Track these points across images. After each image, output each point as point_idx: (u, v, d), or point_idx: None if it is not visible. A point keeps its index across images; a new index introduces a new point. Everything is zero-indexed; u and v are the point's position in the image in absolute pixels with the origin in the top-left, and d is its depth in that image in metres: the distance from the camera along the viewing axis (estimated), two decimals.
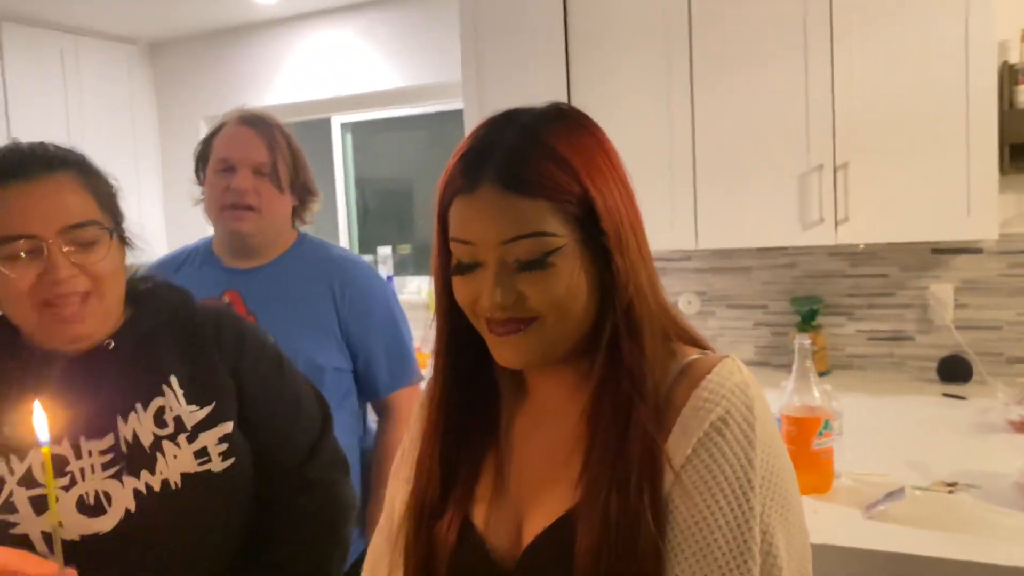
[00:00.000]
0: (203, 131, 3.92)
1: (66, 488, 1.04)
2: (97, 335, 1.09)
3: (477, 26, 2.91)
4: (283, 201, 1.75)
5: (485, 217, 0.78)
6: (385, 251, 3.89)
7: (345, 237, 4.06)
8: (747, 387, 0.79)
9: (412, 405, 1.00)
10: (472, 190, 0.78)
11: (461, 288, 0.82)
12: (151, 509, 1.05)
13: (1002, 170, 2.35)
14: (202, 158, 1.77)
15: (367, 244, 4.07)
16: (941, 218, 2.35)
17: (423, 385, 1.17)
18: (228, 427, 1.12)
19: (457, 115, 3.39)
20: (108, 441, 1.07)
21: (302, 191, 1.79)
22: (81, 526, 1.03)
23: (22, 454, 1.05)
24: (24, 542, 1.01)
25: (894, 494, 1.52)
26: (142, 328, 1.13)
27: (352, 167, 4.13)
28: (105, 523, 1.04)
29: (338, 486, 1.23)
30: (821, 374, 2.64)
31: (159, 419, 1.09)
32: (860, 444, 1.84)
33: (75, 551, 0.90)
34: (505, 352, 0.82)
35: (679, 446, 0.77)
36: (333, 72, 3.81)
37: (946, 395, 2.42)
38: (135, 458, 1.06)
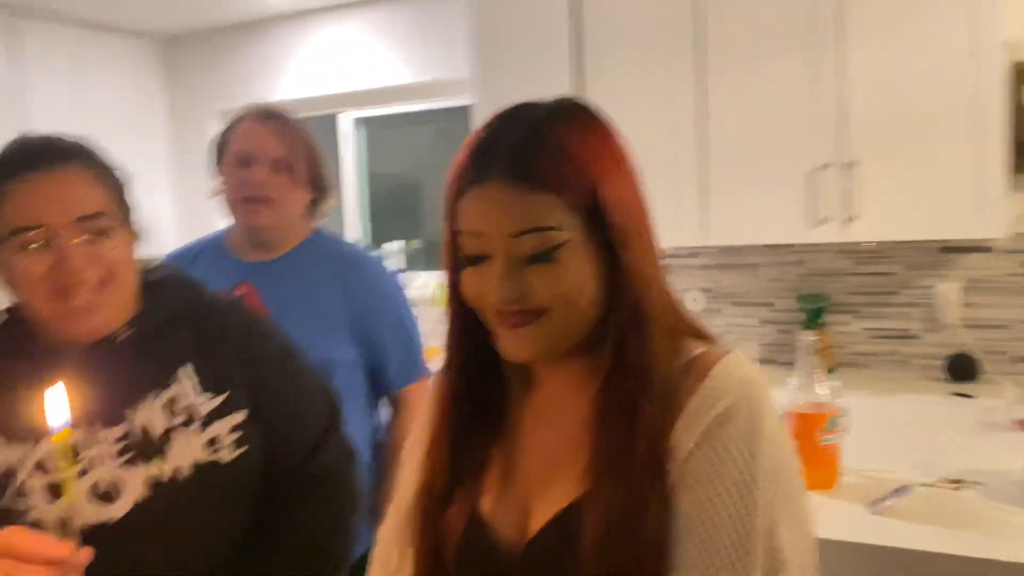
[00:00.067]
0: (214, 126, 3.96)
1: (79, 475, 1.05)
2: (110, 325, 1.10)
3: (487, 22, 2.92)
4: (299, 195, 1.77)
5: (493, 211, 0.78)
6: (395, 246, 3.90)
7: (355, 232, 4.08)
8: (752, 380, 0.80)
9: (422, 400, 1.01)
10: (481, 184, 0.79)
11: (469, 281, 0.82)
12: (162, 497, 1.06)
13: (1011, 169, 2.34)
14: (219, 151, 1.79)
15: (377, 239, 4.08)
16: (950, 217, 2.35)
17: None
18: (240, 417, 1.13)
19: (466, 111, 3.40)
20: (120, 430, 1.08)
21: (318, 186, 1.81)
22: (93, 513, 1.04)
23: (36, 441, 1.06)
24: (38, 528, 1.02)
25: (899, 491, 1.52)
26: (155, 318, 1.15)
27: (365, 162, 4.14)
28: (117, 510, 1.05)
29: (347, 477, 1.24)
30: (827, 372, 2.64)
31: (171, 408, 1.10)
32: (866, 442, 1.84)
33: (87, 538, 0.91)
34: (512, 345, 0.82)
35: (684, 439, 0.78)
36: (343, 67, 3.83)
37: (953, 394, 2.42)
38: (147, 447, 1.08)
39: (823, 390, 1.58)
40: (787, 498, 0.78)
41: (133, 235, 1.14)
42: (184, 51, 4.20)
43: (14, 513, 1.04)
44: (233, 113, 1.85)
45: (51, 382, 0.91)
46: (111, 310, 1.09)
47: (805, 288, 2.91)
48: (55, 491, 1.04)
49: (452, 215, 0.83)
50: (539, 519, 0.83)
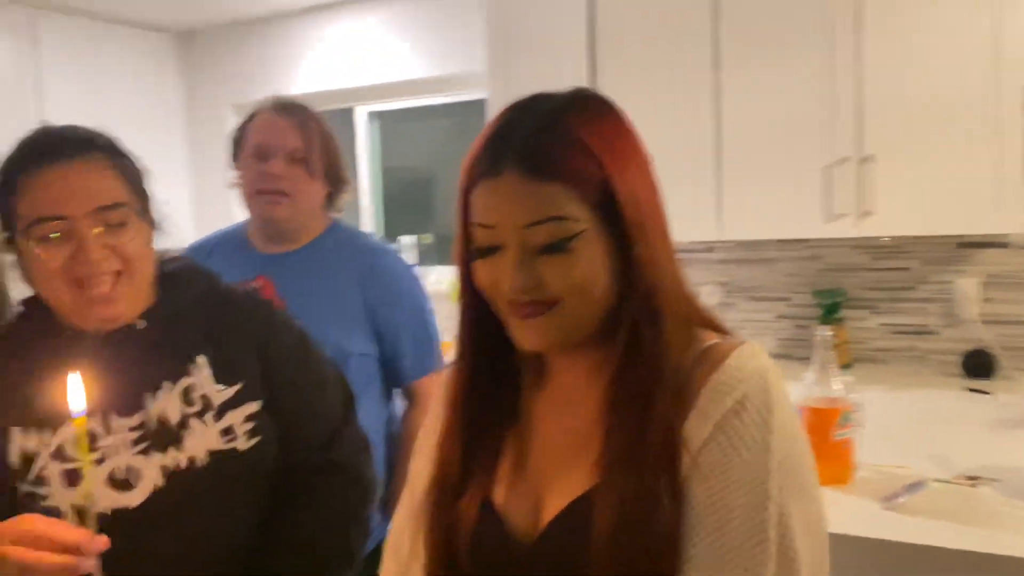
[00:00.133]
0: (230, 119, 3.99)
1: (96, 463, 1.06)
2: (127, 315, 1.11)
3: (502, 15, 2.91)
4: (316, 188, 1.78)
5: (506, 201, 0.79)
6: (408, 240, 3.91)
7: (369, 226, 4.09)
8: (766, 371, 0.80)
9: (437, 392, 1.02)
10: (494, 175, 0.79)
11: (482, 272, 0.83)
12: (178, 485, 1.07)
13: None
14: (237, 143, 1.80)
15: (391, 233, 4.09)
16: (967, 212, 2.33)
17: None
18: (254, 406, 1.14)
19: (481, 105, 3.40)
20: (137, 418, 1.09)
21: (335, 179, 1.82)
22: (110, 500, 1.06)
23: (55, 428, 1.07)
24: (55, 515, 1.04)
25: (914, 486, 1.52)
26: (171, 309, 1.16)
27: (379, 156, 4.15)
28: (133, 498, 1.06)
29: (360, 468, 1.25)
30: (843, 367, 2.63)
31: (187, 397, 1.11)
32: (881, 437, 1.83)
33: (104, 525, 0.93)
34: (525, 335, 0.83)
35: (697, 430, 0.78)
36: (358, 61, 3.83)
37: (970, 390, 2.40)
38: (163, 435, 1.09)
39: (838, 385, 1.57)
40: (800, 489, 0.78)
41: (150, 226, 1.15)
42: (201, 45, 4.22)
43: (33, 500, 1.05)
44: (249, 107, 1.86)
45: (69, 371, 0.92)
46: (128, 300, 1.10)
47: (821, 283, 2.89)
48: (73, 479, 1.05)
49: (465, 206, 0.83)
50: (551, 509, 0.83)
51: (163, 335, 1.14)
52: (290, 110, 1.78)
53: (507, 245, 0.79)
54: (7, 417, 1.08)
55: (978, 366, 2.57)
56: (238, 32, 4.11)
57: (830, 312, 2.80)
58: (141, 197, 1.14)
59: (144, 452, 1.08)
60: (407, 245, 3.91)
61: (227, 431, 1.11)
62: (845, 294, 2.84)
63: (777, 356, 2.96)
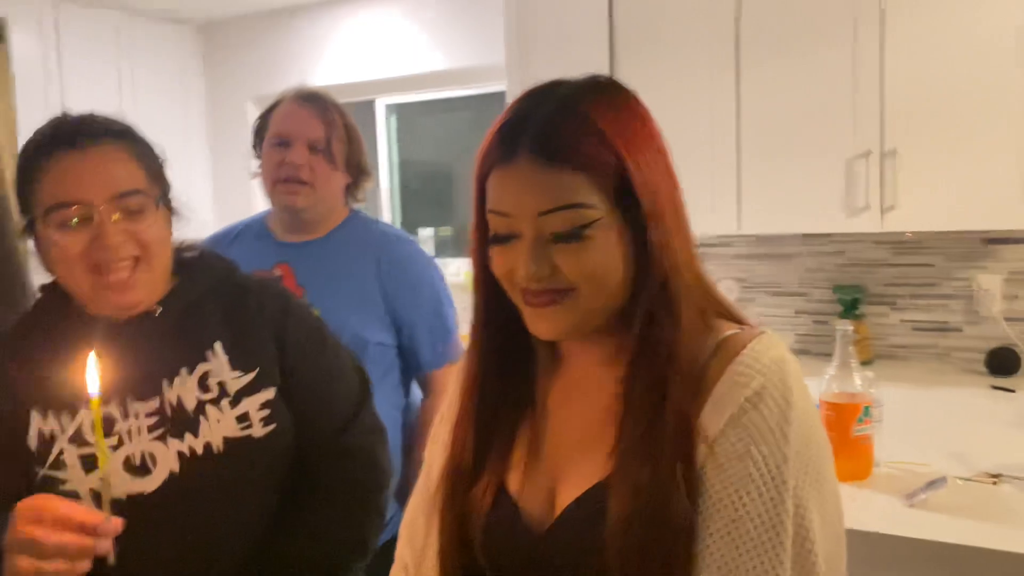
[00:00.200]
0: (251, 110, 4.00)
1: (113, 448, 1.07)
2: (145, 302, 1.12)
3: (521, 7, 2.90)
4: (336, 178, 1.79)
5: (522, 189, 0.78)
6: (426, 233, 3.92)
7: (387, 218, 4.10)
8: (783, 362, 0.79)
9: (452, 381, 1.03)
10: (509, 161, 0.79)
11: (498, 259, 0.82)
12: (194, 471, 1.08)
13: None
14: (259, 132, 1.82)
15: (408, 225, 4.10)
16: (992, 207, 2.30)
17: None
18: (270, 393, 1.14)
19: (500, 97, 3.39)
20: (154, 404, 1.10)
21: (355, 169, 1.83)
22: (127, 485, 1.06)
23: (73, 413, 1.08)
24: (73, 499, 1.04)
25: (935, 483, 1.50)
26: (188, 296, 1.16)
27: (396, 149, 4.16)
28: (149, 483, 1.07)
29: (376, 454, 1.25)
30: (864, 364, 2.60)
31: (203, 384, 1.12)
32: (902, 434, 1.81)
33: (120, 509, 0.93)
34: (540, 323, 0.82)
35: (713, 419, 0.77)
36: (378, 54, 3.84)
37: (994, 387, 2.37)
38: (179, 421, 1.09)
39: (858, 380, 1.55)
40: (817, 481, 0.77)
41: (169, 213, 1.16)
42: (221, 37, 4.24)
43: (51, 484, 1.06)
44: (269, 99, 1.87)
45: (86, 353, 0.93)
46: (146, 287, 1.11)
47: (842, 278, 2.86)
48: (90, 462, 1.06)
49: (480, 193, 0.83)
50: (566, 497, 0.82)
51: (180, 322, 1.14)
52: (312, 100, 1.79)
53: (522, 233, 0.79)
54: (25, 402, 1.09)
55: (1002, 364, 2.53)
56: (259, 24, 4.13)
57: (850, 308, 2.77)
58: (159, 184, 1.15)
59: (160, 438, 1.09)
60: (425, 238, 3.91)
61: (243, 418, 1.12)
62: (866, 290, 2.81)
63: (796, 352, 2.93)
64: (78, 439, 1.07)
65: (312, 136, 1.74)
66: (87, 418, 1.07)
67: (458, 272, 3.80)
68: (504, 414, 0.89)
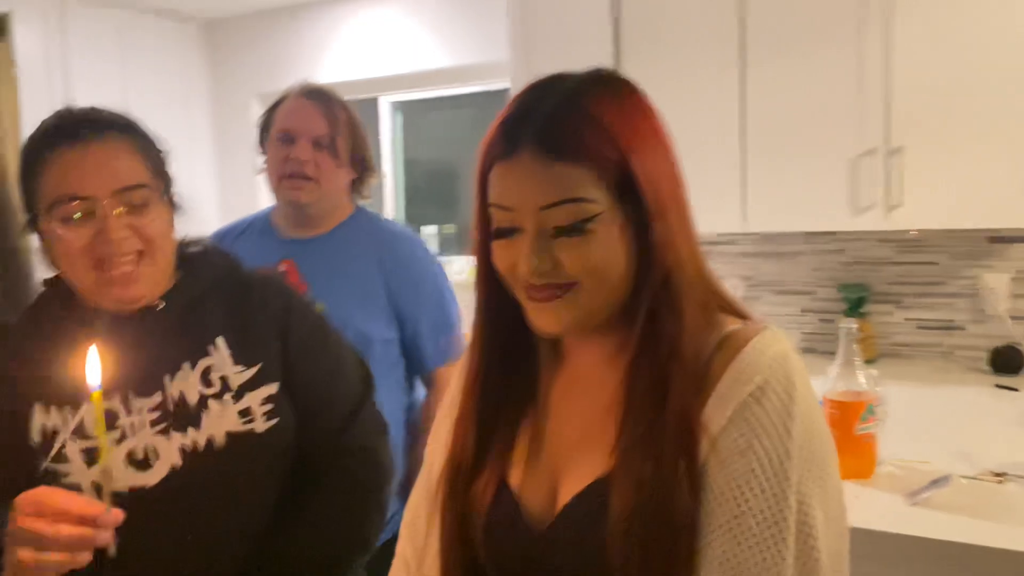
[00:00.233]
0: (255, 108, 4.01)
1: (115, 442, 1.07)
2: (149, 296, 1.12)
3: (525, 5, 2.90)
4: (341, 174, 1.79)
5: (524, 182, 0.78)
6: (430, 230, 3.92)
7: (391, 216, 4.10)
8: (787, 357, 0.78)
9: (454, 377, 1.03)
10: (511, 155, 0.78)
11: (499, 253, 0.82)
12: (196, 465, 1.08)
13: None
14: (264, 128, 1.83)
15: (412, 223, 4.10)
16: (998, 205, 2.29)
17: None
18: (273, 388, 1.14)
19: (504, 95, 3.39)
20: (156, 399, 1.10)
21: (360, 165, 1.84)
22: (129, 479, 1.06)
23: (76, 407, 1.08)
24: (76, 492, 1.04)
25: (939, 481, 1.49)
26: (191, 290, 1.16)
27: (401, 146, 4.16)
28: (151, 477, 1.07)
29: (378, 451, 1.25)
30: (868, 362, 2.59)
31: (205, 378, 1.12)
32: (906, 432, 1.80)
33: (122, 503, 0.93)
34: (542, 319, 0.82)
35: (716, 415, 0.76)
36: (382, 51, 3.84)
37: (998, 386, 2.36)
38: (181, 415, 1.09)
39: (862, 378, 1.55)
40: (820, 477, 0.76)
41: (172, 207, 1.16)
42: (226, 35, 4.24)
43: (54, 477, 1.06)
44: (273, 96, 1.88)
45: (87, 346, 0.93)
46: (149, 281, 1.11)
47: (847, 277, 2.85)
48: (92, 456, 1.06)
49: (483, 188, 0.82)
50: (567, 493, 0.82)
51: (183, 316, 1.14)
52: (317, 95, 1.79)
53: (524, 227, 0.79)
54: (28, 395, 1.09)
55: (1006, 363, 2.52)
56: (263, 22, 4.13)
57: (855, 307, 2.76)
58: (163, 178, 1.15)
59: (163, 432, 1.09)
60: (429, 235, 3.91)
61: (245, 412, 1.11)
62: (870, 288, 2.80)
63: (802, 351, 2.92)
64: (80, 433, 1.07)
65: (317, 132, 1.75)
66: (89, 412, 1.07)
67: (461, 270, 3.80)
68: (505, 410, 0.89)
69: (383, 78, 3.88)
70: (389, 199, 4.11)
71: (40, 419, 1.09)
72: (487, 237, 0.83)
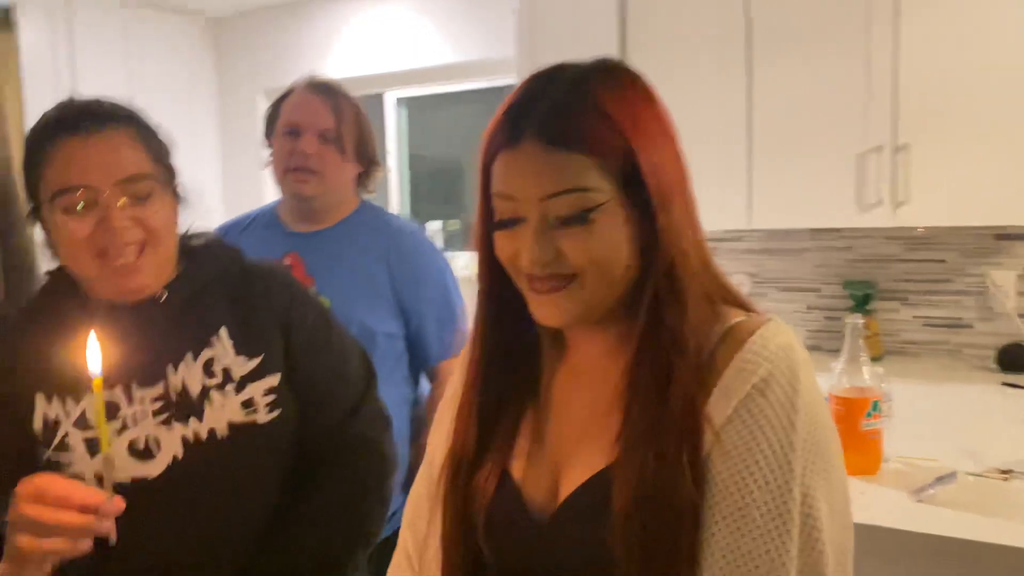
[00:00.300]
0: (261, 103, 4.00)
1: (118, 432, 1.07)
2: (151, 287, 1.12)
3: (532, 1, 2.89)
4: (346, 168, 1.79)
5: (527, 172, 0.77)
6: (434, 226, 3.92)
7: (396, 212, 4.09)
8: (791, 349, 0.78)
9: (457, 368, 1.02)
10: (515, 144, 0.78)
11: (502, 244, 0.81)
12: (198, 456, 1.08)
13: None
14: (270, 121, 1.83)
15: (417, 219, 4.10)
16: (1005, 202, 2.27)
17: None
18: (275, 379, 1.14)
19: (509, 91, 3.38)
20: (159, 389, 1.10)
21: (366, 159, 1.84)
22: (131, 469, 1.06)
23: (78, 397, 1.08)
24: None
25: (945, 478, 1.48)
26: (194, 282, 1.16)
27: (406, 142, 4.15)
28: (153, 468, 1.07)
29: (380, 442, 1.25)
30: (874, 360, 2.58)
31: (208, 369, 1.11)
32: (912, 429, 1.80)
33: (124, 494, 0.93)
34: (544, 310, 0.81)
35: (720, 407, 0.76)
36: (387, 47, 3.83)
37: (1005, 384, 2.35)
38: (184, 406, 1.09)
39: (867, 374, 1.54)
40: (825, 470, 0.76)
41: (175, 199, 1.16)
42: (232, 30, 4.24)
43: (56, 467, 1.06)
44: (280, 91, 1.88)
45: (87, 334, 0.93)
46: (152, 272, 1.10)
47: (853, 274, 2.84)
48: (95, 446, 1.06)
49: (486, 178, 0.82)
50: (570, 484, 0.82)
51: (186, 307, 1.14)
52: (324, 89, 1.79)
53: (527, 216, 0.78)
54: (30, 385, 1.09)
55: (1014, 361, 2.50)
56: (269, 17, 4.13)
57: (861, 304, 2.75)
58: (166, 169, 1.15)
59: (165, 423, 1.08)
60: (433, 231, 3.91)
61: (247, 403, 1.11)
62: (877, 286, 2.78)
63: (807, 348, 2.90)
64: (83, 423, 1.07)
65: (323, 125, 1.75)
66: (91, 402, 1.07)
67: (466, 266, 3.80)
68: (508, 402, 0.88)
69: (388, 74, 3.88)
70: (394, 195, 4.11)
71: (42, 409, 1.09)
72: (490, 227, 0.83)
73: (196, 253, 1.20)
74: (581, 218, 0.76)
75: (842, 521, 0.77)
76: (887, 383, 1.68)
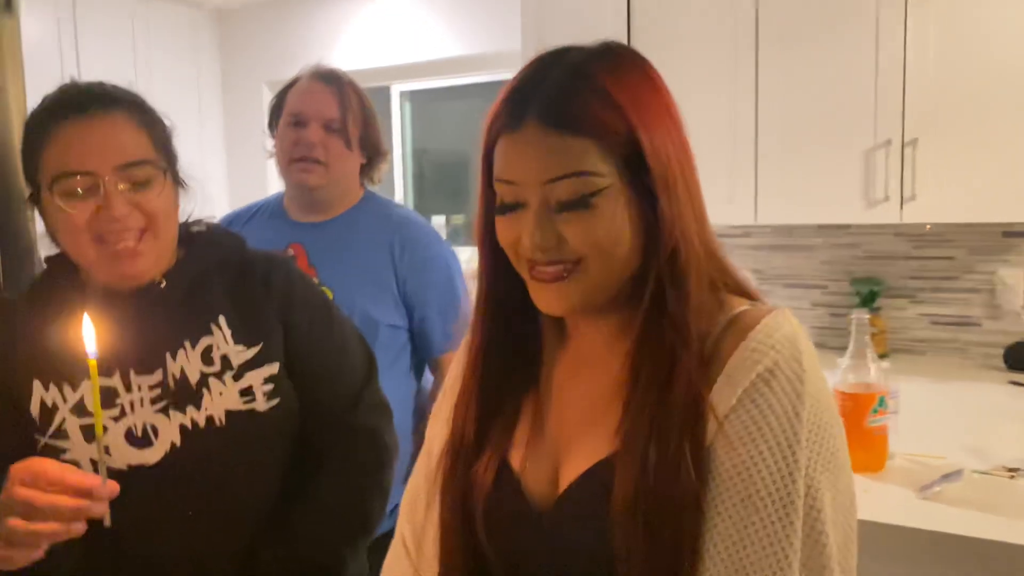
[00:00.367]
0: (266, 95, 4.00)
1: (115, 419, 1.06)
2: (151, 273, 1.10)
3: None
4: (351, 158, 1.78)
5: (528, 156, 0.76)
6: (439, 220, 3.91)
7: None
8: (796, 339, 0.76)
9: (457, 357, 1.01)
10: (516, 128, 0.76)
11: (503, 229, 0.80)
12: (196, 444, 1.07)
13: None
14: (275, 111, 1.82)
15: (421, 213, 4.09)
16: (1015, 199, 2.26)
17: None
18: (274, 368, 1.13)
19: None
20: (157, 376, 1.09)
21: (371, 150, 1.82)
22: (129, 456, 1.05)
23: (76, 384, 1.07)
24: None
25: (951, 476, 1.47)
26: (194, 269, 1.15)
27: (411, 136, 4.14)
28: (151, 455, 1.06)
29: (381, 432, 1.24)
30: (880, 357, 2.56)
31: (206, 357, 1.10)
32: (918, 427, 1.78)
33: (121, 481, 0.92)
34: (546, 299, 0.80)
35: (723, 396, 0.74)
36: (393, 40, 3.82)
37: (1013, 383, 2.33)
38: (182, 394, 1.08)
39: (874, 370, 1.52)
40: (830, 461, 0.74)
41: (176, 185, 1.14)
42: (236, 22, 4.24)
43: (54, 453, 1.05)
44: (284, 84, 1.86)
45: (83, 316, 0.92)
46: (152, 258, 1.09)
47: (860, 271, 2.82)
48: (91, 433, 1.05)
49: (487, 163, 0.81)
50: (570, 474, 0.80)
51: (185, 295, 1.13)
52: (329, 79, 1.78)
53: (528, 201, 0.77)
54: (28, 371, 1.09)
55: (1022, 359, 2.49)
56: (274, 9, 4.12)
57: (868, 301, 2.73)
58: (167, 155, 1.13)
59: (163, 410, 1.08)
60: (438, 225, 3.90)
61: (246, 391, 1.10)
62: (884, 283, 2.76)
63: (813, 345, 2.89)
64: (80, 410, 1.07)
65: (327, 115, 1.73)
66: (89, 389, 1.06)
67: (471, 259, 3.78)
68: (508, 390, 0.87)
69: (394, 67, 3.87)
70: (399, 188, 4.10)
71: (39, 395, 1.08)
72: (491, 213, 0.81)
73: (197, 240, 1.19)
74: (583, 203, 0.75)
75: (846, 513, 0.76)
76: (894, 381, 1.67)
